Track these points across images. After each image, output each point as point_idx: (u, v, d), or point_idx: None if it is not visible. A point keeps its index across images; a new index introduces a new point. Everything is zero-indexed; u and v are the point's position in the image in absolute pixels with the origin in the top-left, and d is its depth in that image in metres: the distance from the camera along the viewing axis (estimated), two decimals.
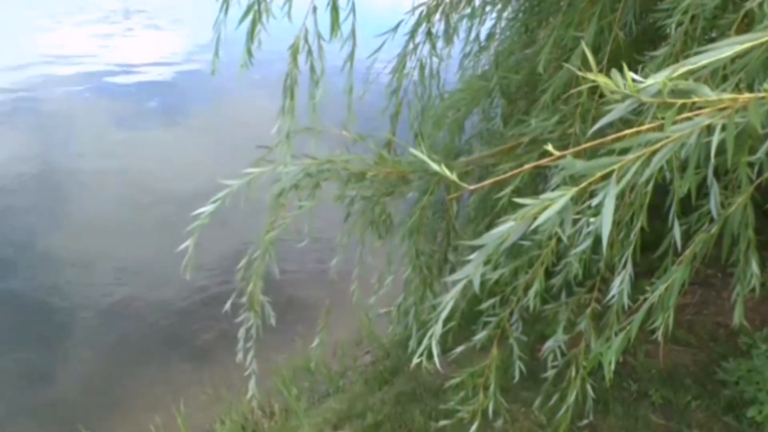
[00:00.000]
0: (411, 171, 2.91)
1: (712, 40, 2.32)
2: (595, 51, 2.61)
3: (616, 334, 2.40)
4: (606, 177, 1.38)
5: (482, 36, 3.90)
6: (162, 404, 5.26)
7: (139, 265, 7.55)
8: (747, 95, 1.17)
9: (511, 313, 3.00)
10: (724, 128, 1.26)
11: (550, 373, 3.12)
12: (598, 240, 2.39)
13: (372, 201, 3.13)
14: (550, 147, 1.34)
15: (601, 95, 2.71)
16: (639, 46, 3.03)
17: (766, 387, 3.78)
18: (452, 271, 3.68)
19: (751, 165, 2.23)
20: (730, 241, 2.33)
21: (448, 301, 1.68)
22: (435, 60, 3.62)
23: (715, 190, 2.19)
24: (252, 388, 3.12)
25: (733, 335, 4.26)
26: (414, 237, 3.27)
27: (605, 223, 1.37)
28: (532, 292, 2.81)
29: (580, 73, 1.21)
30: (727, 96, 1.17)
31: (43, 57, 15.29)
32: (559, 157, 1.41)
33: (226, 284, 6.65)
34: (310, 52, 2.86)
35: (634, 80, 1.15)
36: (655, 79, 1.13)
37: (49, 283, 7.31)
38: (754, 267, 2.52)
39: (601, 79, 1.14)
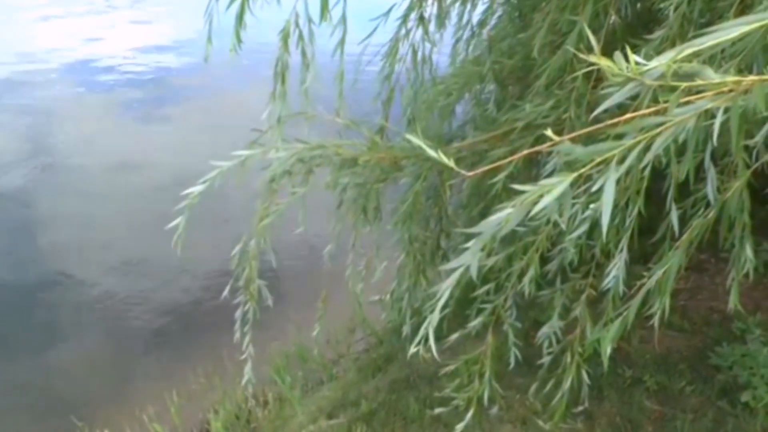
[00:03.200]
0: (404, 157, 2.89)
1: (709, 24, 2.30)
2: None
3: (612, 320, 2.39)
4: (605, 162, 1.35)
5: (475, 21, 3.86)
6: (155, 394, 5.23)
7: (131, 256, 7.51)
8: (751, 77, 1.14)
9: (506, 300, 2.99)
10: (726, 111, 1.24)
11: (546, 359, 3.11)
12: (593, 225, 2.38)
13: (365, 188, 3.10)
14: (549, 132, 1.31)
15: (597, 80, 2.69)
16: (633, 30, 3.00)
17: (759, 372, 3.79)
18: (444, 257, 3.66)
19: (746, 149, 2.21)
20: (728, 226, 2.32)
21: (446, 288, 1.65)
22: (427, 45, 3.58)
23: (712, 174, 2.17)
24: (248, 373, 3.10)
25: (726, 320, 4.27)
26: (407, 223, 3.25)
27: (606, 208, 1.35)
28: (527, 279, 2.79)
29: (582, 56, 1.18)
30: (730, 79, 1.14)
31: (32, 47, 15.16)
32: (557, 143, 1.39)
33: (218, 273, 6.63)
34: (300, 36, 2.83)
35: (637, 63, 1.12)
36: (659, 61, 1.10)
37: (41, 273, 7.27)
38: (749, 252, 2.51)
39: (604, 62, 1.11)
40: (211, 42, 2.94)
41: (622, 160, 1.34)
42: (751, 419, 3.71)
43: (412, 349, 1.87)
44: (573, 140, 1.41)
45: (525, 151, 1.57)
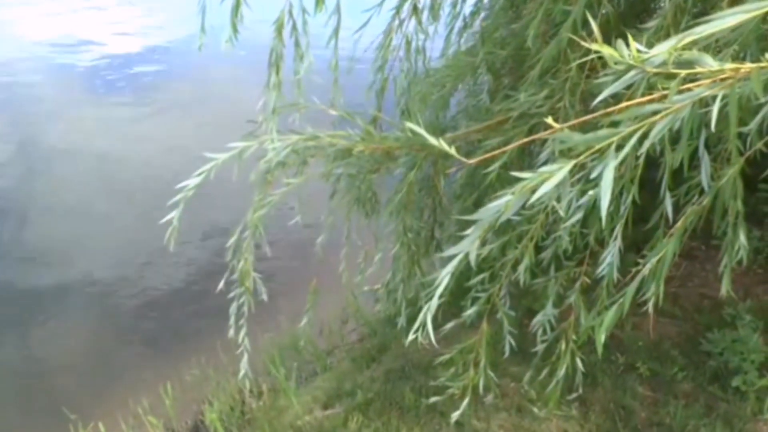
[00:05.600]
0: (398, 147, 2.89)
1: (702, 14, 2.32)
2: (584, 25, 2.59)
3: (607, 308, 2.41)
4: (601, 150, 1.37)
5: (467, 11, 3.86)
6: (149, 386, 5.23)
7: (123, 247, 7.48)
8: (749, 65, 1.16)
9: (500, 289, 3.01)
10: (723, 98, 1.25)
11: (540, 347, 3.14)
12: (588, 213, 2.40)
13: (358, 178, 3.11)
14: (549, 120, 1.32)
15: (591, 69, 2.71)
16: (626, 20, 3.02)
17: (750, 357, 3.84)
18: (438, 247, 3.68)
19: (739, 136, 2.23)
20: (721, 213, 2.34)
21: (445, 275, 1.67)
22: (421, 36, 3.59)
23: (706, 162, 2.19)
24: (244, 367, 3.10)
25: (717, 306, 4.31)
26: (401, 214, 3.26)
27: (604, 195, 1.37)
28: (522, 267, 2.81)
29: (583, 43, 1.19)
30: (729, 66, 1.16)
31: (19, 37, 15.07)
32: (557, 130, 1.40)
33: (212, 265, 6.64)
34: (294, 27, 2.83)
35: (638, 50, 1.14)
36: (660, 49, 1.12)
37: (34, 265, 7.24)
38: (742, 238, 2.53)
39: (606, 50, 1.13)
40: (205, 32, 2.94)
41: (619, 148, 1.35)
42: (742, 403, 3.76)
43: (411, 337, 1.88)
44: (569, 128, 1.43)
45: (526, 139, 1.59)
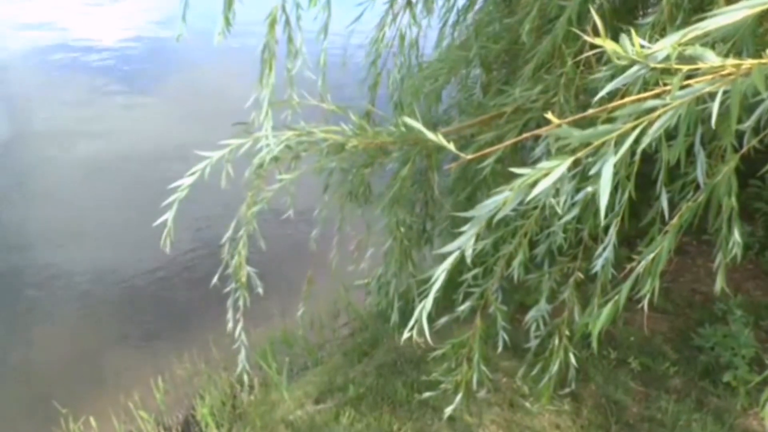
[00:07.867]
0: (392, 142, 2.88)
1: (696, 10, 2.31)
2: (580, 20, 2.59)
3: (603, 304, 2.41)
4: (598, 147, 1.36)
5: (461, 5, 3.85)
6: (140, 380, 5.20)
7: (115, 240, 7.43)
8: (751, 61, 1.15)
9: (493, 284, 3.00)
10: (725, 94, 1.25)
11: (534, 343, 3.14)
12: (583, 209, 2.39)
13: (351, 173, 3.10)
14: (549, 115, 1.31)
15: (586, 65, 2.70)
16: (620, 16, 3.02)
17: (741, 352, 3.86)
18: (428, 241, 3.68)
19: (735, 133, 2.23)
20: (716, 210, 2.34)
21: (440, 273, 1.67)
22: (414, 29, 3.58)
23: (701, 158, 2.19)
24: (242, 361, 3.10)
25: (708, 302, 4.33)
26: (394, 208, 3.25)
27: (603, 191, 1.36)
28: (516, 263, 2.80)
29: (586, 38, 1.18)
30: (731, 62, 1.15)
31: (11, 29, 14.97)
32: (557, 125, 1.39)
33: (204, 258, 6.61)
34: (287, 22, 2.81)
35: (641, 46, 1.13)
36: (664, 44, 1.11)
37: (23, 259, 7.18)
38: (737, 235, 2.53)
39: (608, 44, 1.12)
40: (185, 21, 2.91)
41: (617, 144, 1.35)
42: (733, 399, 3.78)
43: (406, 334, 1.88)
44: (566, 124, 1.42)
45: (523, 135, 1.58)
